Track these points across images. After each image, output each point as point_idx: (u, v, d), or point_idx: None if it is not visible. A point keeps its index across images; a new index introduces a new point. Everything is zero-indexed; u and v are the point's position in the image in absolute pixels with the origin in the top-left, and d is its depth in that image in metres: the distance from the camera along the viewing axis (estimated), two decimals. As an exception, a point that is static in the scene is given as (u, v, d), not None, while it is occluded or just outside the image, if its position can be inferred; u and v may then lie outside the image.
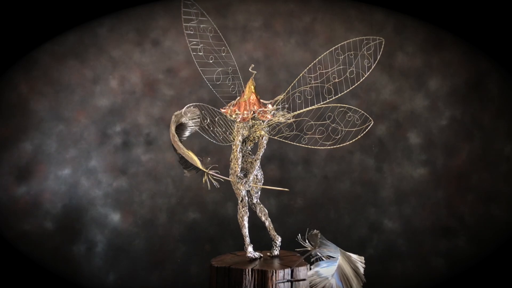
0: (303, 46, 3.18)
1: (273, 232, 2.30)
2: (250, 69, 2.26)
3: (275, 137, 2.26)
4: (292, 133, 2.23)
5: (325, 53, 2.19)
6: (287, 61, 3.18)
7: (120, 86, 3.16)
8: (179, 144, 2.25)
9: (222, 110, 2.27)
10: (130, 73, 3.16)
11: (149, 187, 3.16)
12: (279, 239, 2.30)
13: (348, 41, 2.18)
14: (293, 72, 3.15)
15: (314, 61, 2.20)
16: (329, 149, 2.18)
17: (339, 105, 2.17)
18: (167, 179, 3.18)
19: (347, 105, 2.17)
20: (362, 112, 2.17)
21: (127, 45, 3.16)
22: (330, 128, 2.14)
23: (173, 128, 2.23)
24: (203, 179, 2.22)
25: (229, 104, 2.26)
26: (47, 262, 3.01)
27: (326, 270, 1.98)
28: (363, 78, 2.14)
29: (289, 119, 2.17)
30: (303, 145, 2.20)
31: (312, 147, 2.20)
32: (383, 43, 2.10)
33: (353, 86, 2.14)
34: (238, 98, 2.27)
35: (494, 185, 3.12)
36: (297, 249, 2.08)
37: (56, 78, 3.09)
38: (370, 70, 2.12)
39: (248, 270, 2.03)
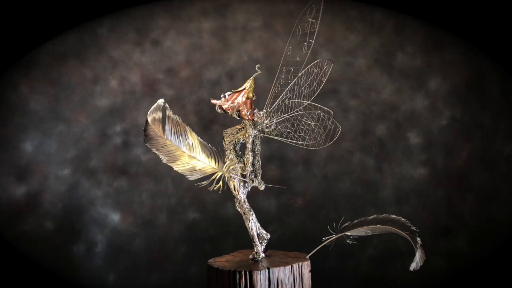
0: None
1: (261, 229, 2.29)
2: (256, 68, 2.24)
3: (277, 138, 2.25)
4: (290, 134, 2.23)
5: (287, 43, 2.24)
6: (287, 61, 3.17)
7: (120, 86, 3.16)
8: (197, 140, 2.08)
9: (225, 106, 2.14)
10: (130, 73, 3.16)
11: (149, 187, 3.16)
12: (268, 235, 2.29)
13: (313, 63, 2.22)
14: (293, 72, 3.14)
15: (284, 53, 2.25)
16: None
17: (327, 111, 2.18)
18: (167, 179, 3.18)
19: (327, 109, 2.17)
20: (332, 119, 2.14)
21: (127, 45, 3.16)
22: (315, 130, 2.15)
23: (179, 120, 2.05)
24: (215, 182, 2.14)
25: (222, 102, 2.19)
26: (47, 262, 3.01)
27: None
28: (318, 90, 2.17)
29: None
30: (296, 144, 2.20)
31: (312, 148, 2.20)
32: (332, 65, 2.15)
33: (307, 58, 2.20)
34: (229, 94, 2.20)
35: (494, 185, 3.12)
36: (324, 238, 2.20)
37: (56, 78, 3.09)
38: (322, 85, 2.17)
39: (290, 267, 2.06)
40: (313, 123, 2.14)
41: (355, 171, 3.20)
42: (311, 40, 2.13)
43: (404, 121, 3.19)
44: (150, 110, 2.01)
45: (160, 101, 2.04)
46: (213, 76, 3.18)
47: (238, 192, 2.19)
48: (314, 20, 2.10)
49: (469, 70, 3.15)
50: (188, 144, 2.09)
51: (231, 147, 2.22)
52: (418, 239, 2.12)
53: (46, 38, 3.05)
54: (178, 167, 2.10)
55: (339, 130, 2.11)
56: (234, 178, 2.17)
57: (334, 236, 2.22)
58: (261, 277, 1.99)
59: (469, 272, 3.07)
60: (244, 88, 2.22)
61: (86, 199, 3.10)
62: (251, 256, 2.23)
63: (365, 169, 3.20)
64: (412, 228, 2.12)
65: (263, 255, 2.21)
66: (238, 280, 1.98)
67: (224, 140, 2.23)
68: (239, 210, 2.22)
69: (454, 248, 3.13)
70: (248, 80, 2.23)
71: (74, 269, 3.06)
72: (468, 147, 3.15)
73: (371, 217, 2.20)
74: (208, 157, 2.15)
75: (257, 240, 2.21)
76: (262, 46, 3.21)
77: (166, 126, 2.04)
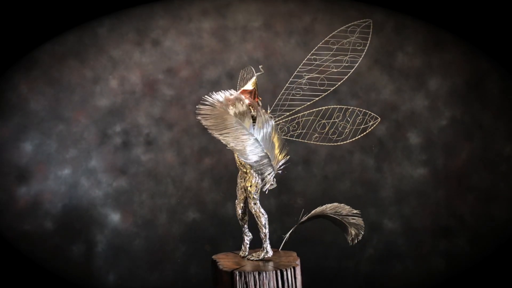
0: (303, 46, 3.18)
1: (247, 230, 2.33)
2: (260, 67, 2.26)
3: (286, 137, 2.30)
4: (297, 131, 2.30)
5: (317, 46, 2.29)
6: (287, 61, 3.18)
7: (120, 86, 3.16)
8: (277, 137, 2.07)
9: (247, 102, 2.09)
10: (130, 73, 3.16)
11: (149, 187, 3.16)
12: (252, 236, 2.34)
13: (335, 32, 2.28)
14: (293, 72, 3.15)
15: (308, 56, 2.30)
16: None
17: (344, 106, 2.29)
18: (167, 179, 3.18)
19: (354, 107, 2.28)
20: (367, 111, 2.27)
21: (127, 45, 3.16)
22: (340, 126, 2.26)
23: (268, 117, 2.04)
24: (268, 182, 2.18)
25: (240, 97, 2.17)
26: (47, 262, 3.01)
27: None
28: (358, 62, 2.24)
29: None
30: (312, 142, 2.28)
31: (322, 143, 2.28)
32: (371, 24, 2.23)
33: (350, 72, 2.24)
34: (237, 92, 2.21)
35: (494, 185, 3.12)
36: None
37: (56, 78, 3.09)
38: (364, 52, 2.23)
39: (300, 261, 2.16)
40: (349, 125, 2.24)
41: (355, 171, 3.20)
42: (357, 56, 2.21)
43: (404, 121, 3.19)
44: (222, 103, 1.97)
45: (234, 93, 2.02)
46: (213, 76, 3.18)
47: (258, 192, 2.21)
48: (360, 41, 2.19)
49: (469, 70, 3.15)
50: (272, 143, 2.08)
51: None
52: (361, 220, 2.34)
53: (46, 38, 3.05)
54: (254, 163, 2.07)
55: (376, 121, 2.23)
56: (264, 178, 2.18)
57: (292, 228, 2.36)
58: (273, 275, 2.04)
59: (469, 272, 3.07)
60: (253, 88, 2.21)
61: (86, 199, 3.10)
62: (251, 257, 2.23)
63: (365, 169, 3.20)
64: (354, 211, 2.35)
65: (271, 253, 2.23)
66: (287, 277, 2.02)
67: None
68: (251, 209, 2.21)
69: (454, 248, 3.13)
70: (253, 80, 2.25)
71: (74, 269, 3.06)
72: (468, 147, 3.15)
73: (323, 206, 2.38)
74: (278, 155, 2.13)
75: (267, 239, 2.23)
76: (262, 46, 3.21)
77: (255, 124, 2.02)
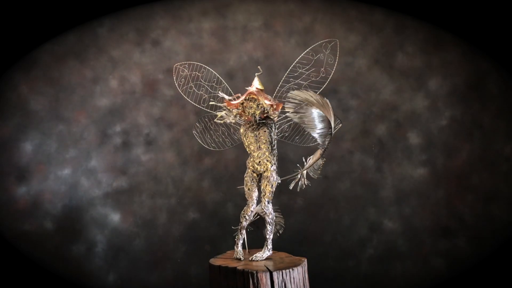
0: (303, 46, 3.17)
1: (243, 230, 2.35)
2: (259, 68, 2.35)
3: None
4: (286, 132, 2.44)
5: (300, 56, 2.43)
6: (287, 61, 3.17)
7: (120, 86, 3.16)
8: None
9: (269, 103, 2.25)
10: (130, 73, 3.16)
11: (149, 187, 3.16)
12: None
13: (312, 46, 2.43)
14: (293, 72, 3.15)
15: (294, 63, 2.43)
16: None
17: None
18: (167, 179, 3.18)
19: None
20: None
21: (127, 45, 3.16)
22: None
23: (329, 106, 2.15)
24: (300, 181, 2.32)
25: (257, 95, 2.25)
26: (47, 262, 3.01)
27: None
28: (331, 74, 2.40)
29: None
30: (293, 143, 2.41)
31: (299, 145, 2.45)
32: (338, 43, 2.41)
33: (326, 83, 2.40)
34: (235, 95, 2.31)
35: (494, 185, 3.11)
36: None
37: (56, 78, 3.09)
38: (335, 66, 2.39)
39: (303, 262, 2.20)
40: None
41: (355, 171, 3.20)
42: (330, 69, 2.40)
43: (404, 121, 3.19)
44: (314, 102, 2.10)
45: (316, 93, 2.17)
46: (213, 76, 3.18)
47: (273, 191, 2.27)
48: (332, 56, 2.40)
49: (469, 70, 3.15)
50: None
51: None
52: (280, 216, 2.50)
53: (46, 38, 3.05)
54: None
55: (339, 125, 2.33)
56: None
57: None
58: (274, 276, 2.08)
59: (469, 272, 3.07)
60: (263, 89, 2.29)
61: (86, 199, 3.10)
62: (255, 258, 2.23)
63: (365, 169, 3.20)
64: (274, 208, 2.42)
65: (271, 252, 2.28)
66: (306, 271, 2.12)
67: (260, 140, 2.25)
68: (265, 209, 2.25)
69: (454, 248, 3.13)
70: (257, 80, 2.30)
71: (74, 269, 3.06)
72: (468, 147, 3.15)
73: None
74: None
75: (271, 237, 2.28)
76: (262, 46, 3.21)
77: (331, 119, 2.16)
